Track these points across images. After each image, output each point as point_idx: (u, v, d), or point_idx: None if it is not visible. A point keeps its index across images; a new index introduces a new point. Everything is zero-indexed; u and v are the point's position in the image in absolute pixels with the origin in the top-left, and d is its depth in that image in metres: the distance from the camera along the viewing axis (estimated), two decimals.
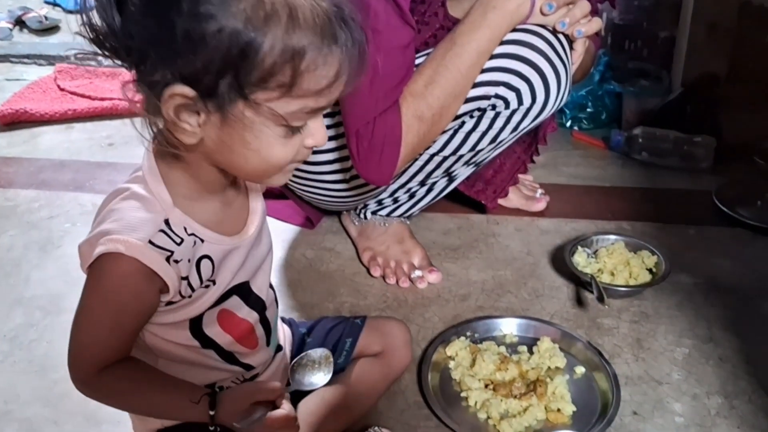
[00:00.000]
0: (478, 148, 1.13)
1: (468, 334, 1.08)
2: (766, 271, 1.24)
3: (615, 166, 1.65)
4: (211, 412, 0.67)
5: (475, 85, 1.05)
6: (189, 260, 0.66)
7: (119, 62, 0.60)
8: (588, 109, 1.82)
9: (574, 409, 0.94)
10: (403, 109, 1.01)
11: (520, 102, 1.06)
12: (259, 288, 0.76)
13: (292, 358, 0.88)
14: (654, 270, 1.22)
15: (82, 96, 2.02)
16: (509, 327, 1.10)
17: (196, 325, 0.71)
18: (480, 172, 1.31)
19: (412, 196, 1.25)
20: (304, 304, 1.18)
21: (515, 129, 1.10)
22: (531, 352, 1.04)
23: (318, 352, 0.81)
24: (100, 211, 0.66)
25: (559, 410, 0.94)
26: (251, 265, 0.74)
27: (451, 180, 1.22)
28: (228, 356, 0.75)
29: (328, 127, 1.13)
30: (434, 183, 1.22)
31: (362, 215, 1.30)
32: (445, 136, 1.11)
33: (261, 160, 0.62)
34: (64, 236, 1.38)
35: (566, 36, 1.06)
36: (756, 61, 1.68)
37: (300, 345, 0.90)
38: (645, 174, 1.61)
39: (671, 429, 0.93)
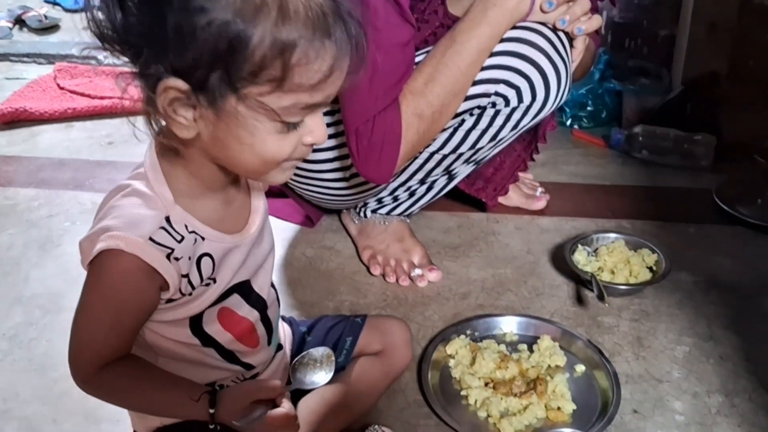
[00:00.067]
0: (478, 146, 1.12)
1: (468, 332, 1.07)
2: (767, 270, 1.24)
3: (615, 165, 1.65)
4: (211, 410, 0.67)
5: (475, 83, 1.05)
6: (189, 258, 0.66)
7: (123, 58, 0.60)
8: (588, 108, 1.82)
9: (575, 407, 0.94)
10: (403, 107, 1.01)
11: (520, 100, 1.06)
12: (260, 287, 0.76)
13: (292, 357, 0.88)
14: (654, 268, 1.22)
15: (82, 95, 2.02)
16: (509, 325, 1.10)
17: (196, 323, 0.71)
18: (480, 170, 1.31)
19: (412, 195, 1.25)
20: (304, 302, 1.18)
21: (515, 127, 1.10)
22: (531, 350, 1.04)
23: (319, 351, 0.81)
24: (101, 208, 0.66)
25: (559, 408, 0.94)
26: (252, 263, 0.74)
27: (451, 178, 1.22)
28: (228, 355, 0.75)
29: (328, 125, 1.13)
30: (434, 181, 1.22)
31: (362, 213, 1.30)
32: (445, 134, 1.11)
33: (256, 156, 0.62)
34: (64, 235, 1.38)
35: (566, 33, 1.06)
36: (756, 60, 1.68)
37: (300, 344, 0.90)
38: (645, 172, 1.61)
39: (672, 427, 0.93)
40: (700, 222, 1.39)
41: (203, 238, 0.67)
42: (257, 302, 0.76)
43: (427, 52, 1.06)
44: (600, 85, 1.82)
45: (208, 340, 0.72)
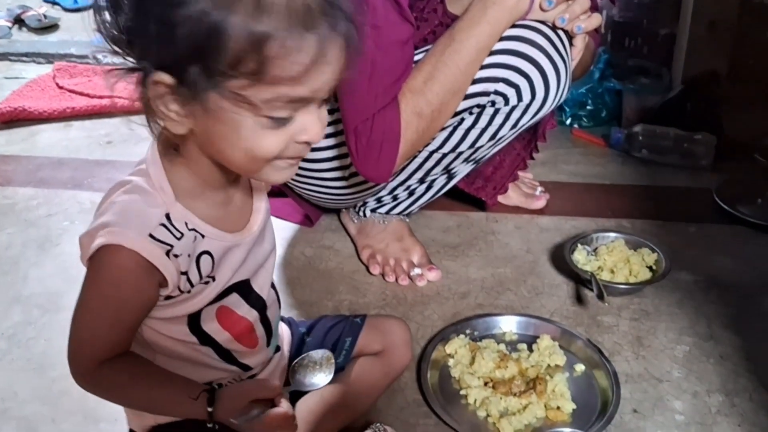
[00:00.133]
0: (478, 144, 1.12)
1: (467, 331, 1.07)
2: (767, 269, 1.24)
3: (615, 164, 1.65)
4: (210, 409, 0.67)
5: (475, 82, 1.04)
6: (189, 255, 0.66)
7: (129, 59, 0.61)
8: (588, 107, 1.82)
9: (574, 407, 0.94)
10: (402, 106, 1.01)
11: (520, 98, 1.06)
12: (260, 287, 0.76)
13: (291, 357, 0.88)
14: (654, 267, 1.22)
15: (81, 94, 2.02)
16: (509, 325, 1.09)
17: (194, 320, 0.71)
18: (479, 169, 1.31)
19: (411, 194, 1.25)
20: (303, 302, 1.18)
21: (515, 126, 1.10)
22: (531, 349, 1.04)
23: (319, 353, 0.81)
24: (102, 203, 0.66)
25: (558, 408, 0.94)
26: (252, 263, 0.74)
27: (450, 177, 1.22)
28: (226, 354, 0.75)
29: (327, 124, 1.13)
30: (433, 180, 1.22)
31: (361, 213, 1.30)
32: (445, 133, 1.11)
33: (243, 152, 0.61)
34: (63, 234, 1.38)
35: (566, 32, 1.06)
36: (756, 59, 1.67)
37: (299, 344, 0.90)
38: (645, 171, 1.61)
39: (671, 427, 0.93)
40: (700, 221, 1.39)
41: (203, 236, 0.67)
42: (257, 302, 0.76)
43: (427, 50, 1.05)
44: (600, 84, 1.82)
45: (205, 339, 0.72)
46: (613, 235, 1.29)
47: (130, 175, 0.67)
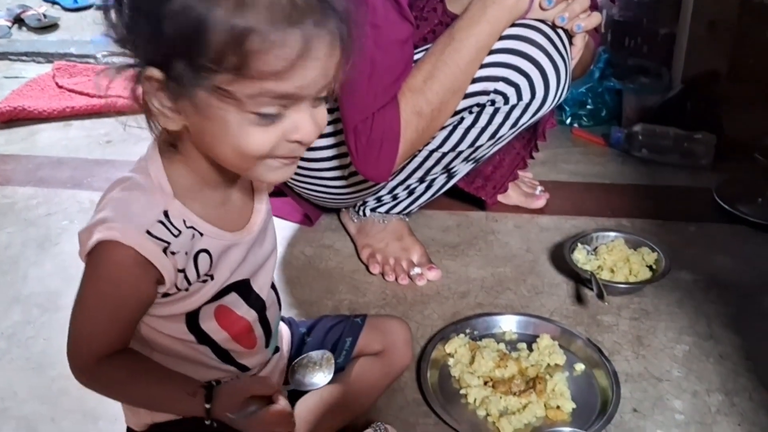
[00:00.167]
0: (478, 144, 1.12)
1: (467, 331, 1.07)
2: (767, 268, 1.24)
3: (615, 163, 1.65)
4: (207, 406, 0.67)
5: (474, 81, 1.04)
6: (186, 253, 0.65)
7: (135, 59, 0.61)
8: (588, 107, 1.82)
9: (574, 406, 0.94)
10: (402, 105, 1.01)
11: (520, 97, 1.06)
12: (260, 287, 0.76)
13: (291, 357, 0.87)
14: (654, 267, 1.22)
15: (81, 93, 2.02)
16: (509, 324, 1.09)
17: (192, 319, 0.70)
18: (479, 169, 1.31)
19: (411, 193, 1.25)
20: (303, 301, 1.18)
21: (514, 125, 1.10)
22: (530, 349, 1.04)
23: (319, 353, 0.81)
24: (101, 200, 0.66)
25: (558, 407, 0.94)
26: (252, 263, 0.74)
27: (450, 176, 1.22)
28: (224, 354, 0.75)
29: (327, 123, 1.12)
30: (433, 180, 1.22)
31: (361, 212, 1.30)
32: (444, 132, 1.11)
33: (232, 149, 0.61)
34: (62, 233, 1.38)
35: (566, 31, 1.06)
36: (756, 58, 1.67)
37: (300, 345, 0.90)
38: (645, 171, 1.61)
39: (671, 426, 0.93)
40: (700, 220, 1.39)
41: (201, 234, 0.67)
42: (256, 302, 0.76)
43: (426, 49, 1.05)
44: (600, 84, 1.82)
45: (203, 338, 0.72)
46: (612, 234, 1.29)
47: (129, 172, 0.67)
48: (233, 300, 0.73)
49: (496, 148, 1.17)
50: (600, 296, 1.10)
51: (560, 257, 1.25)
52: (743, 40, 1.71)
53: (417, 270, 1.22)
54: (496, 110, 1.08)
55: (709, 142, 1.61)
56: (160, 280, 0.65)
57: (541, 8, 1.03)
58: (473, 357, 1.00)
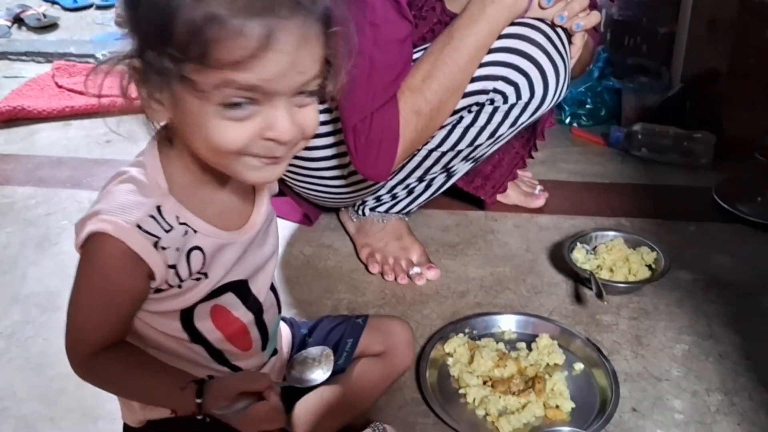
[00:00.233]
0: (477, 143, 1.12)
1: (466, 330, 1.07)
2: (766, 268, 1.24)
3: (614, 163, 1.65)
4: (198, 400, 0.66)
5: (473, 80, 1.04)
6: (177, 249, 0.65)
7: None
8: (587, 106, 1.82)
9: (573, 405, 0.94)
10: (401, 104, 1.01)
11: (519, 96, 1.06)
12: (258, 289, 0.75)
13: (291, 358, 0.87)
14: (653, 266, 1.21)
15: (80, 93, 2.01)
16: (508, 324, 1.09)
17: (187, 317, 0.70)
18: (479, 168, 1.31)
19: (410, 193, 1.25)
20: (302, 301, 1.18)
21: (514, 124, 1.10)
22: (529, 348, 1.03)
23: (318, 350, 0.80)
24: (100, 193, 0.67)
25: (557, 407, 0.94)
26: (251, 264, 0.74)
27: (449, 176, 1.22)
28: (218, 355, 0.74)
29: (325, 122, 1.13)
30: (432, 179, 1.22)
31: (360, 212, 1.30)
32: (443, 132, 1.11)
33: (206, 143, 0.61)
34: (61, 233, 1.38)
35: (565, 30, 1.05)
36: (756, 57, 1.67)
37: (301, 346, 0.89)
38: (644, 170, 1.61)
39: (671, 426, 0.93)
40: (699, 220, 1.39)
41: (195, 231, 0.67)
42: (253, 305, 0.75)
43: (425, 48, 1.05)
44: (599, 83, 1.82)
45: (196, 337, 0.72)
46: (612, 233, 1.28)
47: (128, 167, 0.67)
48: (230, 300, 0.73)
49: (495, 147, 1.17)
50: (599, 296, 1.10)
51: (559, 257, 1.25)
52: (743, 39, 1.70)
53: (416, 269, 1.22)
54: (495, 109, 1.08)
55: (708, 141, 1.61)
56: (152, 275, 0.65)
57: (540, 7, 1.02)
58: (472, 356, 1.00)
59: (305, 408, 0.83)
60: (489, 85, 1.05)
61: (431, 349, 1.03)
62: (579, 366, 1.01)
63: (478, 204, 1.42)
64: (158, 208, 0.64)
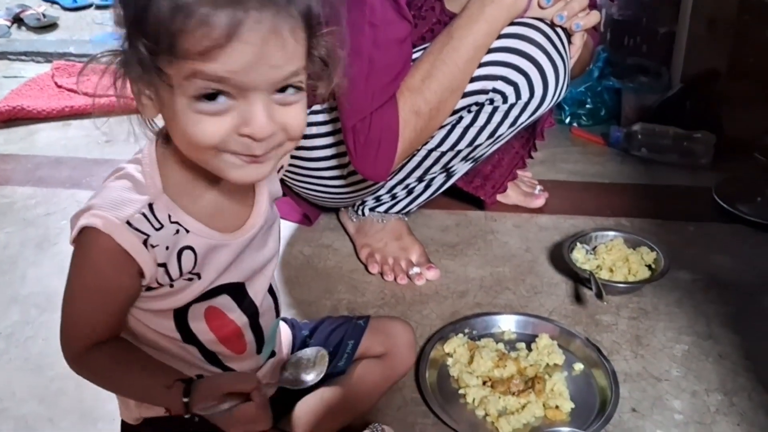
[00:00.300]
0: (476, 143, 1.12)
1: (466, 331, 1.07)
2: (766, 268, 1.24)
3: (614, 163, 1.64)
4: (185, 400, 0.66)
5: (473, 80, 1.04)
6: (167, 248, 0.65)
7: None
8: (587, 106, 1.82)
9: (573, 406, 0.94)
10: (400, 104, 1.01)
11: (518, 96, 1.05)
12: (255, 293, 0.75)
13: None
14: (653, 266, 1.21)
15: (85, 94, 2.01)
16: (507, 324, 1.09)
17: (181, 316, 0.70)
18: (478, 168, 1.31)
19: (410, 193, 1.25)
20: (302, 301, 1.17)
21: (513, 124, 1.10)
22: (529, 348, 1.03)
23: (313, 351, 0.79)
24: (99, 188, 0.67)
25: (557, 407, 0.93)
26: (248, 267, 0.73)
27: (449, 176, 1.22)
28: (211, 356, 0.74)
29: (325, 122, 1.13)
30: (432, 179, 1.22)
31: (360, 212, 1.30)
32: (443, 132, 1.11)
33: (183, 137, 0.61)
34: (61, 233, 1.37)
35: (564, 29, 1.05)
36: (756, 57, 1.67)
37: (302, 347, 0.89)
38: (644, 170, 1.61)
39: (670, 426, 0.93)
40: (699, 220, 1.39)
41: (187, 231, 0.66)
42: (249, 308, 0.75)
43: (424, 48, 1.05)
44: (599, 83, 1.82)
45: (189, 337, 0.71)
46: (612, 233, 1.28)
47: (126, 163, 0.67)
48: (225, 302, 0.72)
49: (494, 147, 1.17)
50: (599, 296, 1.10)
51: (559, 257, 1.25)
52: (743, 39, 1.70)
53: (416, 269, 1.22)
54: (495, 109, 1.07)
55: (708, 141, 1.61)
56: (141, 273, 0.65)
57: (540, 7, 1.02)
58: (472, 357, 1.00)
59: (305, 409, 0.83)
60: (488, 84, 1.05)
61: (431, 350, 1.03)
62: (579, 366, 1.01)
63: (478, 204, 1.42)
64: (150, 206, 0.64)
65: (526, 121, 1.10)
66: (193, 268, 0.68)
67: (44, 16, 2.62)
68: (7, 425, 0.94)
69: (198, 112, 0.58)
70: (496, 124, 1.09)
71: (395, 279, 1.22)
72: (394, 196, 1.25)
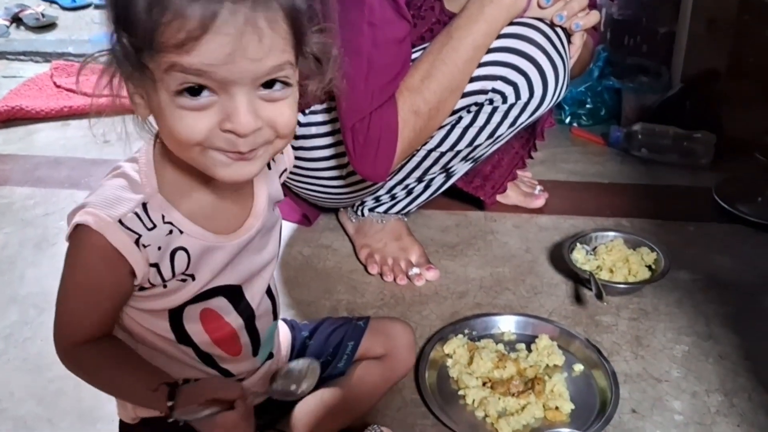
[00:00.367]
0: (476, 143, 1.12)
1: (466, 331, 1.07)
2: (766, 268, 1.24)
3: (614, 163, 1.64)
4: (170, 403, 0.66)
5: (472, 80, 1.04)
6: (160, 248, 0.65)
7: None
8: (587, 106, 1.81)
9: (573, 407, 0.94)
10: (400, 104, 1.01)
11: (518, 96, 1.05)
12: (252, 295, 0.74)
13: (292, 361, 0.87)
14: (653, 267, 1.21)
15: (81, 93, 2.01)
16: (507, 324, 1.09)
17: (175, 317, 0.70)
18: (478, 168, 1.31)
19: (409, 193, 1.24)
20: (301, 301, 1.17)
21: (513, 124, 1.09)
22: (529, 349, 1.03)
23: (305, 362, 0.78)
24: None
25: (557, 408, 0.93)
26: (245, 269, 0.73)
27: (448, 176, 1.22)
28: (206, 357, 0.74)
29: (324, 122, 1.12)
30: (432, 179, 1.21)
31: (359, 212, 1.30)
32: (443, 132, 1.10)
33: (169, 133, 0.60)
34: (59, 234, 1.37)
35: (564, 30, 1.05)
36: (756, 57, 1.67)
37: (302, 348, 0.89)
38: (644, 170, 1.60)
39: (670, 427, 0.92)
40: (699, 220, 1.39)
41: (181, 232, 0.66)
42: (245, 310, 0.74)
43: (424, 49, 1.05)
44: (599, 83, 1.82)
45: (184, 338, 0.71)
46: (612, 234, 1.28)
47: (124, 161, 0.67)
48: (221, 305, 0.72)
49: (494, 148, 1.16)
50: (599, 296, 1.09)
51: (559, 257, 1.25)
52: (743, 39, 1.70)
53: (415, 270, 1.22)
54: (495, 109, 1.07)
55: (708, 141, 1.60)
56: (133, 272, 0.64)
57: (540, 7, 1.02)
58: (472, 357, 1.00)
59: (305, 410, 0.83)
60: (488, 85, 1.04)
61: (430, 350, 1.02)
62: (579, 367, 1.01)
63: (478, 204, 1.42)
64: (144, 206, 0.64)
65: (525, 121, 1.10)
66: (186, 269, 0.67)
67: (43, 15, 2.61)
68: (6, 426, 0.94)
69: (181, 108, 0.58)
70: (496, 124, 1.09)
71: (395, 279, 1.22)
72: (393, 197, 1.25)
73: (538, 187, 1.47)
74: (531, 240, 1.34)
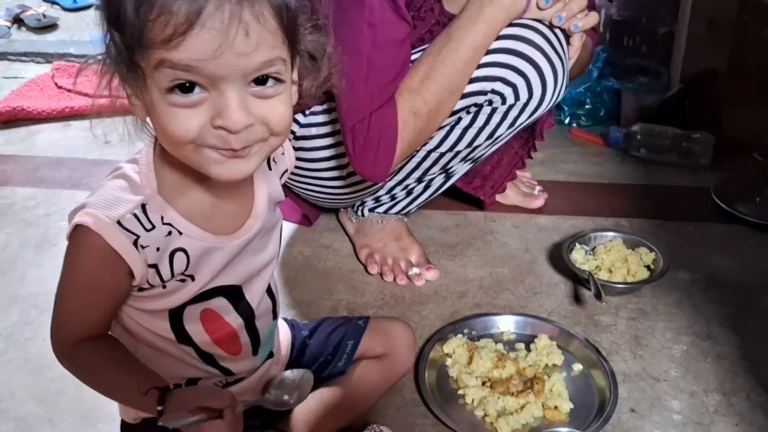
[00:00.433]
0: (475, 144, 1.12)
1: (465, 331, 1.07)
2: (765, 268, 1.24)
3: (613, 163, 1.64)
4: (159, 408, 0.65)
5: (472, 81, 1.04)
6: (158, 249, 0.65)
7: None
8: (586, 106, 1.82)
9: (572, 406, 0.94)
10: (399, 105, 1.01)
11: (517, 97, 1.06)
12: (252, 295, 0.75)
13: (292, 360, 0.87)
14: (652, 267, 1.21)
15: (80, 93, 2.01)
16: (507, 324, 1.09)
17: (176, 317, 0.70)
18: (478, 169, 1.31)
19: (409, 193, 1.25)
20: (301, 301, 1.18)
21: (512, 125, 1.10)
22: (528, 349, 1.04)
23: (297, 373, 0.78)
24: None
25: (556, 408, 0.94)
26: (245, 269, 0.73)
27: (448, 176, 1.22)
28: (206, 357, 0.74)
29: (324, 123, 1.13)
30: (431, 180, 1.22)
31: (359, 212, 1.30)
32: (442, 133, 1.11)
33: (162, 132, 0.61)
34: (60, 234, 1.37)
35: (563, 31, 1.05)
36: (756, 57, 1.67)
37: (302, 348, 0.89)
38: (643, 171, 1.61)
39: (669, 426, 0.93)
40: (698, 220, 1.39)
41: (180, 233, 0.66)
42: (245, 310, 0.75)
43: (423, 49, 1.05)
44: (598, 83, 1.82)
45: (184, 338, 0.71)
46: (611, 234, 1.28)
47: (124, 162, 0.68)
48: (221, 305, 0.72)
49: (494, 148, 1.17)
50: (598, 296, 1.10)
51: (558, 257, 1.25)
52: (743, 39, 1.70)
53: (415, 270, 1.22)
54: (494, 110, 1.08)
55: (707, 141, 1.61)
56: (131, 273, 0.65)
57: (539, 8, 1.02)
58: (471, 357, 1.00)
59: (304, 409, 0.83)
60: (487, 86, 1.05)
61: (430, 350, 1.03)
62: (578, 367, 1.01)
63: (477, 204, 1.42)
64: (143, 207, 0.64)
65: (524, 122, 1.10)
66: (186, 269, 0.67)
67: (44, 16, 2.62)
68: (7, 426, 0.94)
69: (172, 105, 0.58)
70: (495, 125, 1.09)
71: (395, 279, 1.22)
72: (393, 197, 1.25)
73: (538, 188, 1.47)
74: (530, 240, 1.34)
